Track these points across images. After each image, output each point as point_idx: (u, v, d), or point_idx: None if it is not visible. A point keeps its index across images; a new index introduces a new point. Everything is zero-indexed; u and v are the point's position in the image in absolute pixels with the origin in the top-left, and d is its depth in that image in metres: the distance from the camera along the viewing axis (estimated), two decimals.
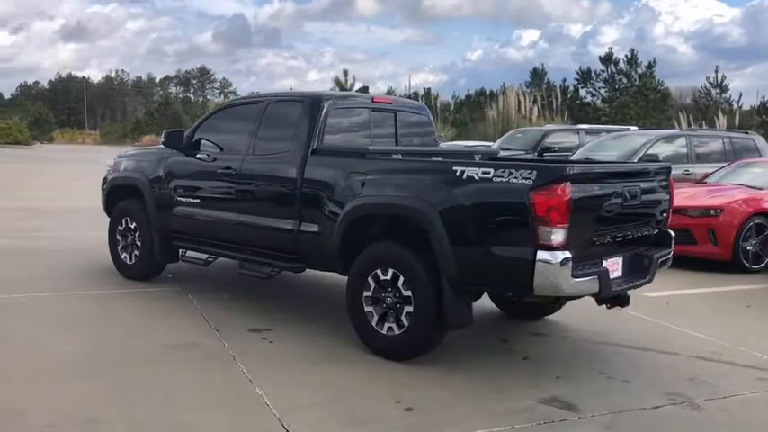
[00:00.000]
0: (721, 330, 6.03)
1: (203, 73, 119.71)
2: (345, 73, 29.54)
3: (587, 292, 4.58)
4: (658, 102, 41.90)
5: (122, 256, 7.22)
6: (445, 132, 25.08)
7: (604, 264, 4.77)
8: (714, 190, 9.57)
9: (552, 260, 4.26)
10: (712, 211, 8.81)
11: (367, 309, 5.04)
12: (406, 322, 4.86)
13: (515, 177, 4.40)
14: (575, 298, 4.89)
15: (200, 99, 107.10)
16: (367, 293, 5.04)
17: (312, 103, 5.74)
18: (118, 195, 7.28)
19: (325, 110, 5.69)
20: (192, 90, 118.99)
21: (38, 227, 10.68)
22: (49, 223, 11.18)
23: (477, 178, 4.58)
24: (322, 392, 4.36)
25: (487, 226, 4.53)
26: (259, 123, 6.04)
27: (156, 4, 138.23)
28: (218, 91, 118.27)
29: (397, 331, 4.92)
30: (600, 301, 5.04)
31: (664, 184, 5.38)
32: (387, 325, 4.96)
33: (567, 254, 4.29)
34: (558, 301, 5.79)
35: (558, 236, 4.28)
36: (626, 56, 45.28)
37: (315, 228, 5.42)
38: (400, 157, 5.52)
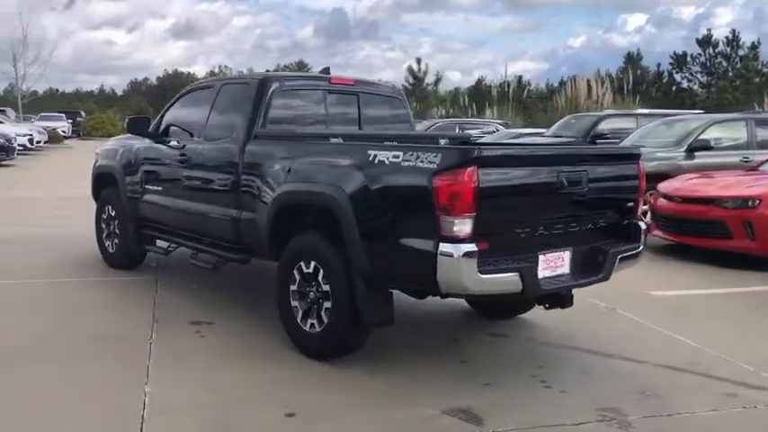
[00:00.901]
0: (715, 336, 5.33)
1: (301, 67, 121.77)
2: (418, 61, 28.96)
3: (507, 290, 4.06)
4: (762, 85, 38.93)
5: (106, 245, 7.21)
6: (508, 120, 24.23)
7: (541, 258, 4.24)
8: (758, 179, 8.57)
9: (454, 253, 3.78)
10: (750, 202, 7.86)
11: (293, 303, 4.72)
12: (325, 319, 4.51)
13: (421, 161, 3.95)
14: (505, 296, 4.35)
15: None
16: (293, 287, 4.71)
17: (257, 85, 5.43)
18: (101, 184, 7.26)
19: (270, 92, 5.37)
20: None
21: (70, 215, 10.93)
22: (83, 212, 11.42)
23: (387, 163, 4.16)
24: (216, 394, 4.07)
25: (395, 215, 4.10)
26: (211, 108, 5.82)
27: (261, 1, 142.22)
28: None
29: (318, 328, 4.57)
30: (537, 301, 4.48)
31: (629, 169, 4.74)
32: (310, 321, 4.62)
33: (472, 247, 3.80)
34: (524, 299, 5.28)
35: (462, 226, 3.80)
36: (726, 37, 42.36)
37: (253, 216, 5.13)
38: (340, 141, 5.14)
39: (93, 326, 5.26)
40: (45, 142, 29.09)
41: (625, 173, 4.73)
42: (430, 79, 48.69)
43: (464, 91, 41.83)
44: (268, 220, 4.89)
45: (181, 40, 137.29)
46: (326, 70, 6.03)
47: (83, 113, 50.37)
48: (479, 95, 35.84)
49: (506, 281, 3.97)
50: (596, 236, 4.60)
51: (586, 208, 4.49)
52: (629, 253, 4.72)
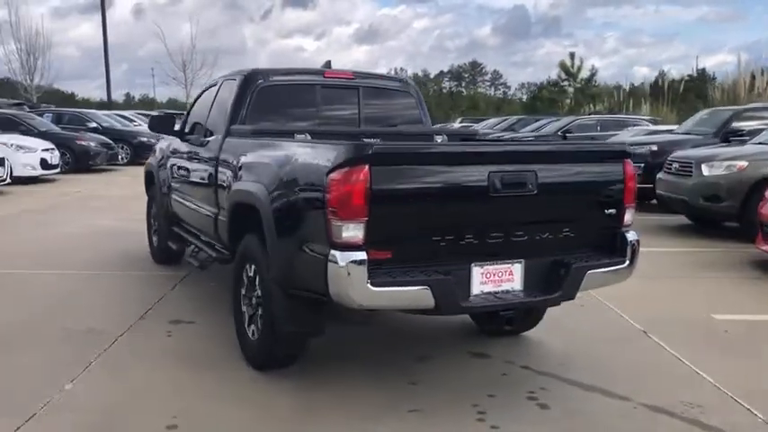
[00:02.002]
0: (750, 374, 4.39)
1: (474, 66, 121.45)
2: (572, 56, 27.54)
3: (413, 305, 3.55)
4: None
5: (153, 240, 7.42)
6: (658, 116, 22.19)
7: (477, 271, 3.68)
8: None
9: (340, 262, 3.35)
10: None
11: (243, 308, 4.50)
12: (260, 326, 4.24)
13: (321, 159, 3.56)
14: (417, 312, 3.78)
15: (472, 92, 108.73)
16: (243, 291, 4.49)
17: (242, 81, 5.26)
18: (147, 180, 7.49)
19: (254, 88, 5.19)
20: (463, 84, 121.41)
21: None
22: None
23: (300, 161, 3.81)
24: (127, 397, 3.93)
25: (300, 217, 3.72)
26: (212, 104, 5.75)
27: (440, 3, 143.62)
28: (488, 83, 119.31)
29: (255, 336, 4.32)
30: (474, 319, 3.89)
31: (610, 170, 4.00)
32: (252, 328, 4.38)
33: (361, 255, 3.34)
34: (529, 313, 4.70)
35: (353, 232, 3.35)
36: None
37: (225, 215, 4.98)
38: (307, 137, 4.83)
39: (77, 318, 5.35)
40: None
41: (603, 174, 3.99)
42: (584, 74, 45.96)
43: (640, 86, 38.86)
44: (226, 221, 4.72)
45: (364, 44, 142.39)
46: (327, 64, 5.72)
47: None
48: (656, 91, 33.29)
49: (410, 295, 3.46)
50: (562, 247, 3.92)
51: (541, 214, 3.82)
52: (607, 269, 3.98)
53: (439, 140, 5.28)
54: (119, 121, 21.94)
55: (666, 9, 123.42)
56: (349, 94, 5.54)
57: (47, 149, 15.51)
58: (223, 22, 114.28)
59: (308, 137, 4.81)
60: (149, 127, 6.52)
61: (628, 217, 4.08)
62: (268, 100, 5.23)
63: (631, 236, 4.09)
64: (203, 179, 5.42)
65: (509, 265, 3.78)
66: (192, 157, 5.80)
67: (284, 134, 4.82)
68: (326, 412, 3.79)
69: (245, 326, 4.43)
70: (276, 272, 3.88)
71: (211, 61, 37.01)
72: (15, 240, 8.73)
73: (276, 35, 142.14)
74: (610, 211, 4.00)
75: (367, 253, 3.37)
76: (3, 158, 13.27)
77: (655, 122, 20.10)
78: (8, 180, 13.42)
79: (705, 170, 9.44)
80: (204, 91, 6.40)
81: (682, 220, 10.54)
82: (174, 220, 6.60)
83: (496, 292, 3.76)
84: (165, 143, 6.90)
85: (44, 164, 15.30)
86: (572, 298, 3.94)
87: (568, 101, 39.08)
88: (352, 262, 3.32)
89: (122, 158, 20.13)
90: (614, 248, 4.06)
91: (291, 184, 3.79)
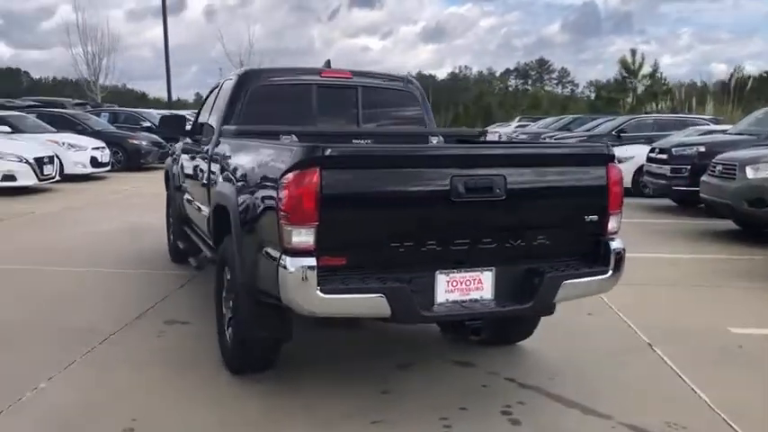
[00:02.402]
0: (753, 395, 4.10)
1: (541, 64, 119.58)
2: (633, 53, 26.63)
3: (367, 314, 3.44)
4: None
5: (169, 239, 7.51)
6: (721, 116, 21.20)
7: (442, 278, 3.54)
8: None
9: (290, 267, 3.26)
10: None
11: (224, 310, 4.47)
12: (232, 331, 4.20)
13: (278, 161, 3.48)
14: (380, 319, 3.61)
15: (537, 91, 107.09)
16: (224, 293, 4.46)
17: (237, 81, 5.24)
18: (167, 180, 7.57)
19: (248, 88, 5.16)
20: (529, 82, 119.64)
21: None
22: None
23: (263, 163, 3.74)
24: (96, 397, 3.94)
25: (259, 220, 3.66)
26: (212, 105, 5.75)
27: (508, 1, 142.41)
28: (555, 81, 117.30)
29: (231, 339, 4.27)
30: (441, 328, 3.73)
31: (591, 175, 3.78)
32: (229, 331, 4.34)
33: (310, 261, 3.25)
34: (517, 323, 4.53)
35: (303, 237, 3.26)
36: None
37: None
38: (293, 138, 4.75)
39: (77, 316, 5.44)
40: None
41: (583, 179, 3.77)
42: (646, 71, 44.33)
43: (707, 84, 37.24)
44: (211, 221, 4.71)
45: (430, 43, 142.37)
46: (327, 63, 5.63)
47: None
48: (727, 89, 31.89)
49: (364, 303, 3.34)
50: (538, 255, 3.73)
51: (512, 221, 3.63)
52: (586, 279, 3.77)
53: (434, 141, 5.13)
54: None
55: (746, 2, 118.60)
56: (347, 93, 5.44)
57: (97, 148, 15.97)
58: (291, 23, 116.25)
59: (294, 138, 4.74)
60: (158, 127, 6.58)
61: (612, 224, 3.85)
62: (262, 100, 5.18)
63: (616, 244, 3.85)
64: (200, 179, 5.43)
65: (478, 273, 3.62)
66: (194, 156, 5.82)
67: (269, 135, 4.76)
68: (290, 418, 3.71)
69: (225, 329, 4.39)
70: (242, 276, 3.83)
71: (269, 62, 37.45)
72: (46, 238, 8.98)
73: (342, 35, 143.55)
74: (591, 217, 3.78)
75: (318, 259, 3.28)
76: (52, 156, 13.72)
77: (717, 122, 19.26)
78: (57, 177, 13.87)
79: (749, 173, 8.96)
80: (211, 91, 6.42)
81: (730, 225, 10.04)
82: (184, 220, 6.64)
83: (464, 301, 3.60)
84: (180, 143, 6.96)
85: (94, 162, 15.76)
86: (547, 308, 3.75)
87: (629, 99, 37.83)
88: (300, 267, 3.24)
89: None
90: (597, 257, 3.84)
91: (254, 186, 3.74)
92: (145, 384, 4.16)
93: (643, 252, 8.31)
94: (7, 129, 14.88)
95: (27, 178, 12.87)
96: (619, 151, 15.17)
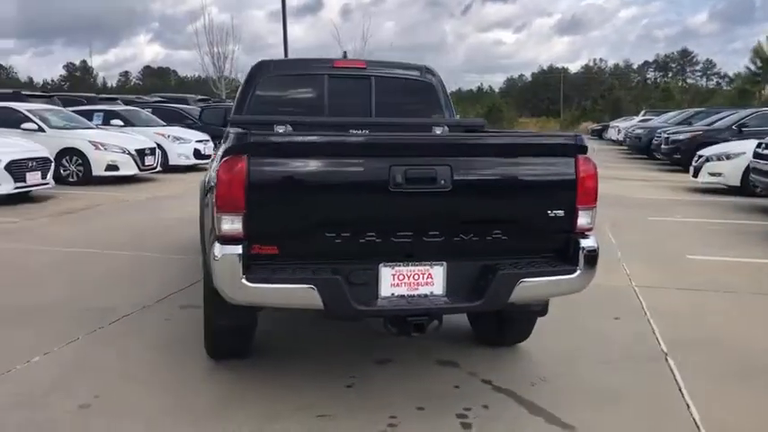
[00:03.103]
0: (752, 418, 3.68)
1: (684, 55, 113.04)
2: None
3: (299, 304, 3.36)
4: None
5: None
6: None
7: (386, 272, 3.42)
8: None
9: (217, 255, 3.27)
10: None
11: None
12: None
13: (223, 150, 3.50)
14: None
15: (680, 83, 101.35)
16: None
17: (249, 73, 5.32)
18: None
19: (258, 80, 5.23)
20: (669, 74, 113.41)
21: None
22: None
23: (219, 153, 3.76)
24: (75, 375, 4.11)
25: (208, 210, 3.68)
26: (236, 97, 5.86)
27: None
28: (699, 73, 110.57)
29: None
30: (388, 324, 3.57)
31: (556, 167, 3.51)
32: None
33: (236, 249, 3.23)
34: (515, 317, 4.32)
35: (232, 224, 3.25)
36: None
37: None
38: (288, 128, 4.76)
39: (103, 298, 5.71)
40: None
41: (545, 171, 3.51)
42: None
43: None
44: None
45: (565, 35, 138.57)
46: (344, 55, 5.59)
47: None
48: None
49: (293, 294, 3.28)
50: (495, 251, 3.51)
51: (460, 214, 3.43)
52: (548, 278, 3.51)
53: (438, 132, 4.96)
54: None
55: None
56: (361, 84, 5.37)
57: (201, 141, 16.75)
58: (423, 20, 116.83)
59: (289, 128, 4.74)
60: (201, 119, 6.78)
61: (583, 220, 3.55)
62: (271, 91, 5.23)
63: (587, 242, 3.56)
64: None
65: (428, 268, 3.47)
66: (217, 147, 5.96)
67: (264, 125, 4.78)
68: (241, 408, 3.71)
69: None
70: (204, 265, 3.88)
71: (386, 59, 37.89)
72: (115, 223, 9.53)
73: (475, 29, 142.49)
74: (556, 213, 3.50)
75: (250, 247, 3.26)
76: (154, 148, 14.56)
77: None
78: (158, 168, 14.70)
79: None
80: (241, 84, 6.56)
81: None
82: None
83: (412, 296, 3.46)
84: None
85: (197, 154, 16.56)
86: (499, 307, 3.53)
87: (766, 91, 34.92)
88: (225, 255, 3.23)
89: None
90: (564, 256, 3.56)
91: (211, 177, 3.76)
92: (125, 363, 4.31)
93: (717, 255, 7.67)
94: (120, 122, 15.96)
95: (128, 168, 13.74)
96: (728, 147, 14.23)
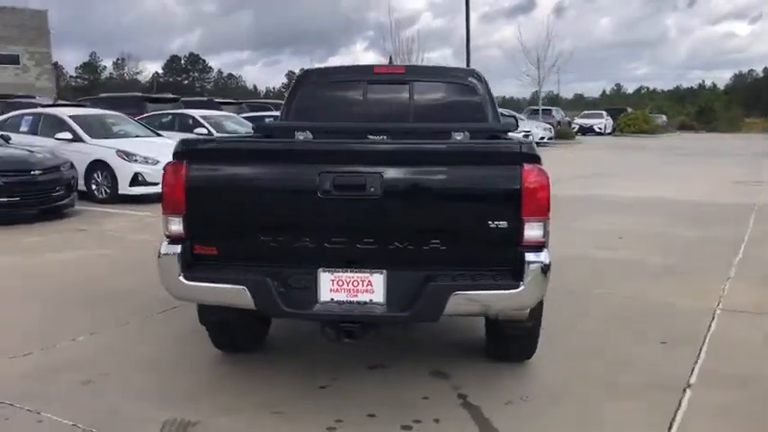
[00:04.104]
0: None
1: None
2: None
3: (232, 303, 3.49)
4: None
5: None
6: None
7: (325, 277, 3.48)
8: None
9: (160, 253, 3.53)
10: None
11: None
12: None
13: None
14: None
15: None
16: None
17: (294, 81, 5.58)
18: None
19: (300, 87, 5.46)
20: None
21: None
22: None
23: None
24: (98, 354, 4.59)
25: None
26: None
27: None
28: None
29: None
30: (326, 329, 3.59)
31: (498, 176, 3.34)
32: None
33: (175, 248, 3.48)
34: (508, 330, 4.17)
35: (175, 225, 3.51)
36: None
37: None
38: (309, 135, 4.92)
39: (130, 283, 6.30)
40: (549, 138, 30.72)
41: (483, 180, 3.34)
42: None
43: None
44: None
45: None
46: (390, 61, 5.63)
47: (629, 110, 50.01)
48: None
49: (227, 293, 3.45)
50: (437, 261, 3.42)
51: (392, 222, 3.38)
52: (486, 291, 3.34)
53: (458, 138, 4.84)
54: None
55: None
56: (400, 89, 5.40)
57: None
58: (644, 15, 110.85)
59: (309, 135, 4.91)
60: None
61: (531, 233, 3.34)
62: (313, 99, 5.42)
63: (533, 256, 3.34)
64: None
65: (368, 275, 3.47)
66: None
67: (287, 131, 4.99)
68: (208, 395, 3.94)
69: None
70: None
71: (567, 56, 36.74)
72: None
73: (703, 21, 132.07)
74: (498, 224, 3.32)
75: (191, 247, 3.49)
76: None
77: None
78: None
79: None
80: None
81: None
82: None
83: (351, 302, 3.48)
84: None
85: None
86: (432, 319, 3.44)
87: None
88: (165, 254, 3.49)
89: None
90: (509, 270, 3.37)
91: None
92: (145, 347, 4.73)
93: None
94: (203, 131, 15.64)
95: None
96: None
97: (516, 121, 6.97)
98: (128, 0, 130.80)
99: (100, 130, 12.60)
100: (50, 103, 22.67)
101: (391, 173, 3.32)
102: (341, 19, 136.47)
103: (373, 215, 3.38)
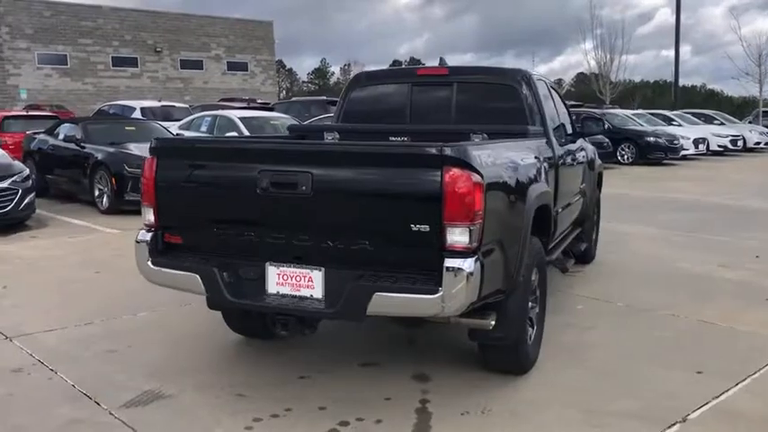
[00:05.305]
0: None
1: None
2: None
3: (189, 289, 3.76)
4: None
5: None
6: None
7: (272, 270, 3.67)
8: None
9: (137, 240, 3.92)
10: None
11: None
12: None
13: None
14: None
15: None
16: None
17: (348, 83, 5.77)
18: None
19: (349, 90, 5.65)
20: None
21: None
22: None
23: None
24: (130, 330, 5.18)
25: None
26: None
27: None
28: None
29: None
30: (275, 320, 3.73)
31: (419, 179, 3.28)
32: None
33: (146, 235, 3.85)
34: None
35: (148, 215, 3.90)
36: None
37: None
38: (336, 136, 5.08)
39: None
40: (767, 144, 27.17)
41: (406, 183, 3.29)
42: None
43: None
44: None
45: None
46: (440, 61, 5.59)
47: None
48: None
49: (184, 280, 3.75)
50: (368, 261, 3.45)
51: (323, 221, 3.46)
52: (403, 294, 3.31)
53: (477, 139, 4.71)
54: (631, 121, 21.80)
55: None
56: (443, 91, 5.37)
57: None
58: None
59: (337, 136, 5.08)
60: None
61: (453, 238, 3.24)
62: (361, 101, 5.58)
63: (454, 262, 3.23)
64: None
65: (308, 271, 3.59)
66: None
67: (318, 132, 5.20)
68: (186, 375, 4.25)
69: None
70: None
71: None
72: None
73: None
74: (420, 227, 3.27)
75: (162, 236, 3.85)
76: None
77: None
78: None
79: None
80: None
81: None
82: None
83: (294, 297, 3.63)
84: None
85: None
86: (357, 318, 3.45)
87: None
88: (139, 241, 3.87)
89: (627, 158, 20.19)
90: (430, 274, 3.30)
91: None
92: (180, 326, 5.18)
93: None
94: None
95: None
96: None
97: (575, 127, 6.25)
98: (360, 9, 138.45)
99: (260, 131, 13.65)
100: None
101: (320, 173, 3.41)
102: (568, 18, 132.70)
103: (306, 213, 3.49)
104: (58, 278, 6.71)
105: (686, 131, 22.64)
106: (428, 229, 3.26)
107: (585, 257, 7.10)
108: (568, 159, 5.62)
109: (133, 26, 39.62)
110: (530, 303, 4.22)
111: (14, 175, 9.33)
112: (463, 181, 3.20)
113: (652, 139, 20.05)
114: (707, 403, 3.87)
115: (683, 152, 21.04)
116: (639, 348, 4.79)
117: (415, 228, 3.28)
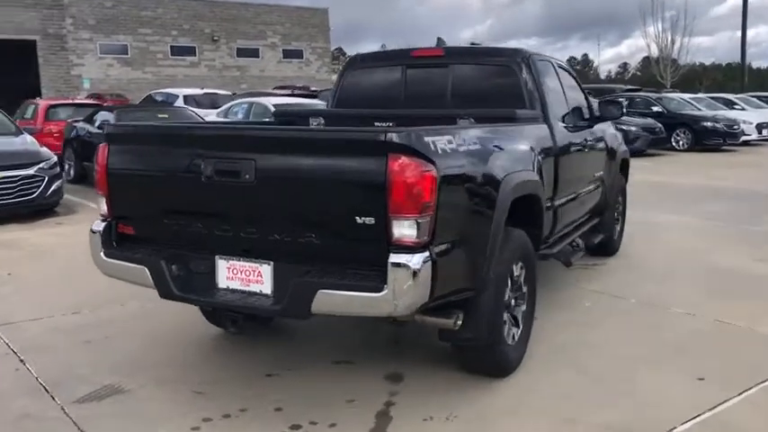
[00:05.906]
0: None
1: None
2: None
3: (139, 282, 3.59)
4: None
5: None
6: None
7: (222, 264, 3.49)
8: None
9: (91, 231, 3.78)
10: None
11: None
12: None
13: None
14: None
15: None
16: None
17: (343, 65, 5.54)
18: None
19: (344, 74, 5.42)
20: None
21: None
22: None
23: None
24: (124, 320, 5.09)
25: None
26: None
27: None
28: None
29: None
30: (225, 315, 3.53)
31: (363, 167, 3.02)
32: None
33: (98, 227, 3.72)
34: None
35: (102, 205, 3.75)
36: None
37: None
38: (321, 122, 4.84)
39: None
40: None
41: (350, 171, 3.03)
42: None
43: None
44: None
45: None
46: (438, 41, 5.27)
47: None
48: None
49: (133, 272, 3.59)
50: (315, 255, 3.22)
51: (268, 212, 3.23)
52: (346, 292, 3.06)
53: (462, 123, 4.39)
54: (688, 105, 20.77)
55: None
56: (439, 73, 5.06)
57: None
58: None
59: (322, 121, 4.85)
60: None
61: (400, 231, 2.97)
62: (355, 84, 5.34)
63: (400, 258, 2.96)
64: None
65: (257, 266, 3.38)
66: None
67: (302, 117, 4.98)
68: (149, 369, 4.13)
69: None
70: None
71: None
72: None
73: None
74: (365, 220, 3.01)
75: (116, 226, 3.70)
76: None
77: None
78: None
79: None
80: None
81: None
82: None
83: (243, 292, 3.43)
84: None
85: None
86: (302, 316, 3.22)
87: None
88: (92, 231, 3.73)
89: (682, 144, 19.26)
90: (375, 271, 3.04)
91: None
92: (162, 320, 5.04)
93: None
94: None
95: None
96: None
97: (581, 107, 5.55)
98: None
99: None
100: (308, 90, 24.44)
101: (263, 160, 3.18)
102: (637, 1, 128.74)
103: (252, 203, 3.27)
104: (65, 266, 6.70)
105: (749, 116, 21.37)
106: (374, 222, 3.00)
107: (607, 250, 6.69)
108: (577, 146, 5.24)
109: (191, 15, 40.17)
110: (511, 301, 3.92)
111: (41, 162, 9.42)
112: (411, 170, 2.93)
113: (709, 124, 19.03)
114: (699, 415, 3.50)
115: (745, 137, 19.89)
116: (642, 350, 4.42)
117: (360, 220, 3.02)
